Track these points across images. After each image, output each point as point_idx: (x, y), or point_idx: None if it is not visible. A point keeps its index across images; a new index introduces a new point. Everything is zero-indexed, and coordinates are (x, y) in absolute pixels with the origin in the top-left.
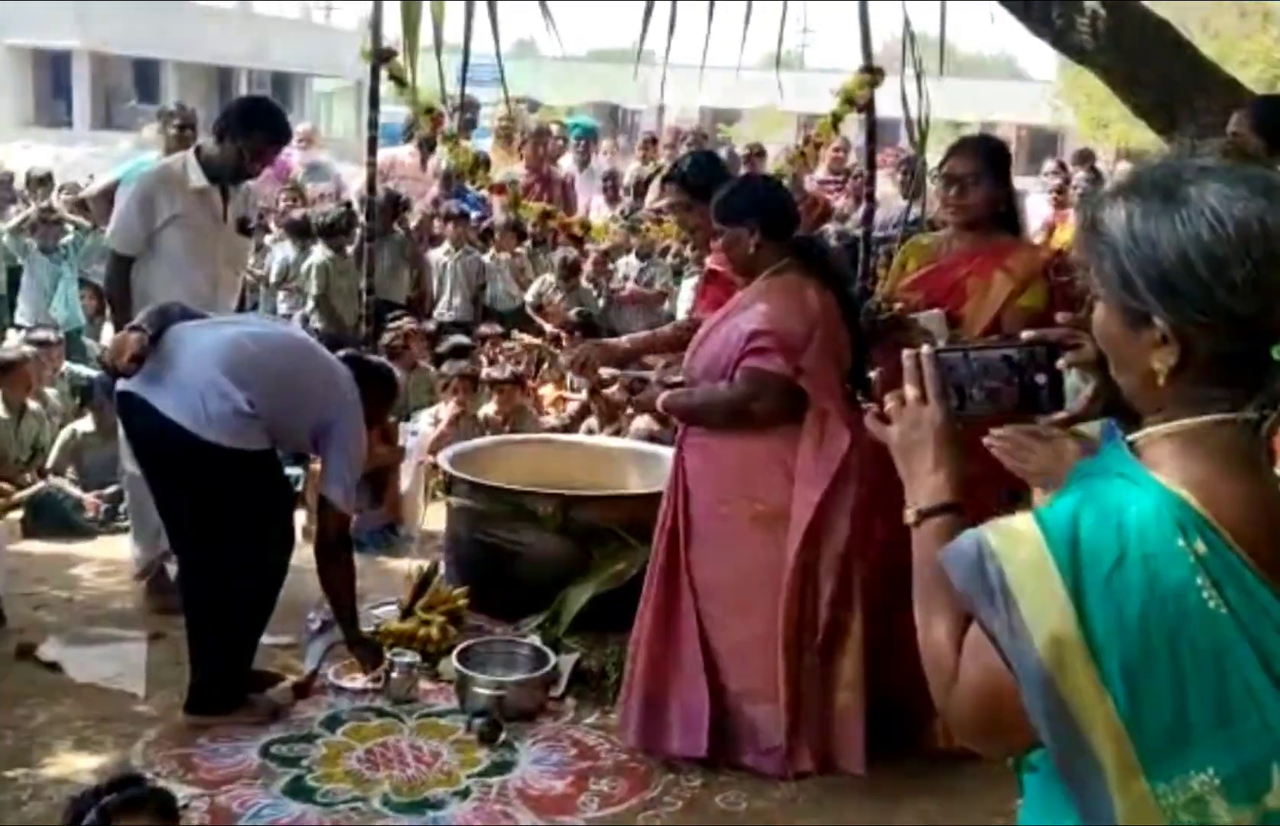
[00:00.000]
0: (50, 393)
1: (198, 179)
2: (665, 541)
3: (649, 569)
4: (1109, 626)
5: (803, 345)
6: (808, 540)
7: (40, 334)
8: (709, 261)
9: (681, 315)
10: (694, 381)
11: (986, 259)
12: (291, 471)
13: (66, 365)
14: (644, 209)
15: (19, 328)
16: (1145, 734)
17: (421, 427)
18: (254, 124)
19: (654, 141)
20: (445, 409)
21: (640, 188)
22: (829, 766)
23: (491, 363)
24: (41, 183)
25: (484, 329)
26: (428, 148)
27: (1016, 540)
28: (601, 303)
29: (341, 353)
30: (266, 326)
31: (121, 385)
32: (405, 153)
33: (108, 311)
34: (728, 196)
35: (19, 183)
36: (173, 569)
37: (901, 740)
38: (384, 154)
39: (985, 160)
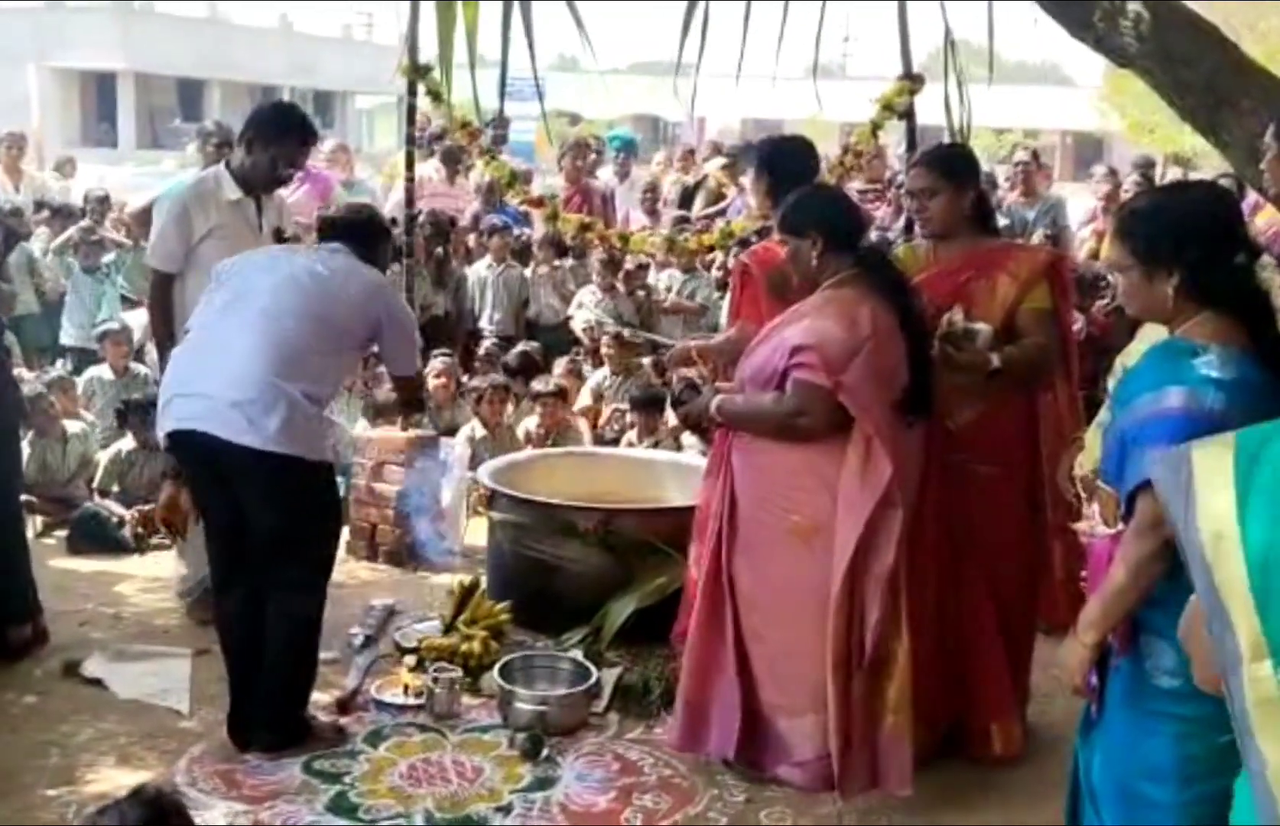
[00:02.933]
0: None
1: (231, 191)
2: (712, 546)
3: (702, 573)
4: (1259, 525)
5: (845, 362)
6: (854, 563)
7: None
8: (743, 257)
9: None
10: (741, 387)
11: (987, 263)
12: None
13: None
14: (692, 218)
15: (65, 351)
16: (1270, 622)
17: (459, 443)
18: (284, 129)
19: (691, 154)
20: (477, 424)
21: (686, 197)
22: (876, 786)
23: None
24: (101, 203)
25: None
26: (452, 163)
27: (1212, 451)
28: (633, 311)
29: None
30: (277, 289)
31: (172, 425)
32: (430, 169)
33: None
34: (791, 207)
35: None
36: None
37: (960, 749)
38: (424, 171)
39: (940, 173)
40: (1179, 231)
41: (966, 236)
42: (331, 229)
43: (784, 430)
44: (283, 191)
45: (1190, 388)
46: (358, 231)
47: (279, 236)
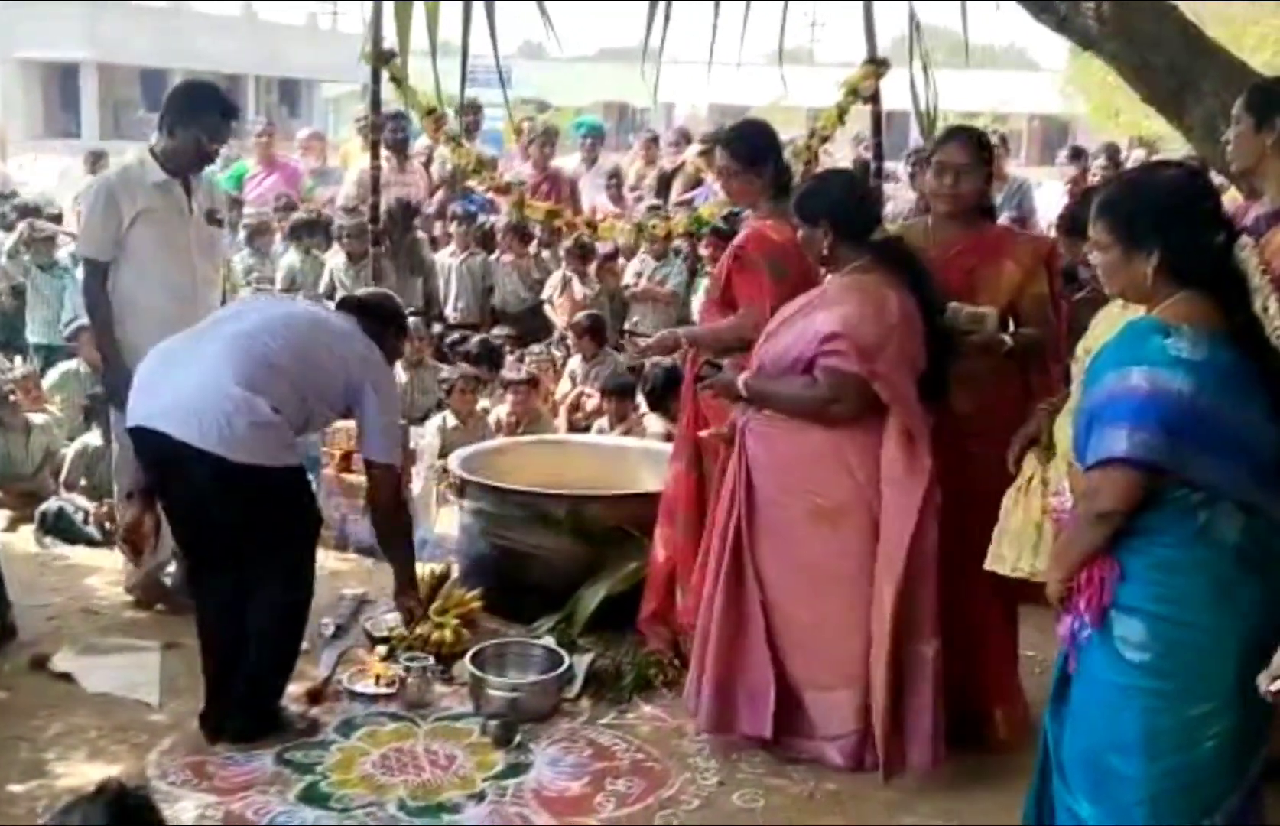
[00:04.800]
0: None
1: (157, 174)
2: (731, 530)
3: (715, 555)
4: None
5: (878, 349)
6: (912, 546)
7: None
8: (739, 241)
9: (695, 314)
10: (760, 370)
11: (992, 249)
12: None
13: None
14: (669, 204)
15: (32, 348)
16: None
17: (429, 433)
18: (203, 107)
19: (655, 141)
20: (449, 414)
21: (663, 184)
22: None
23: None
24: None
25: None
26: (401, 150)
27: None
28: (604, 299)
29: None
30: (264, 312)
31: (134, 421)
32: (381, 156)
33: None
34: (804, 195)
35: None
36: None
37: (963, 737)
38: (361, 161)
39: (977, 151)
40: (1159, 210)
41: (971, 221)
42: (349, 304)
43: (815, 415)
44: (252, 180)
45: (1154, 367)
46: (373, 311)
47: (211, 218)
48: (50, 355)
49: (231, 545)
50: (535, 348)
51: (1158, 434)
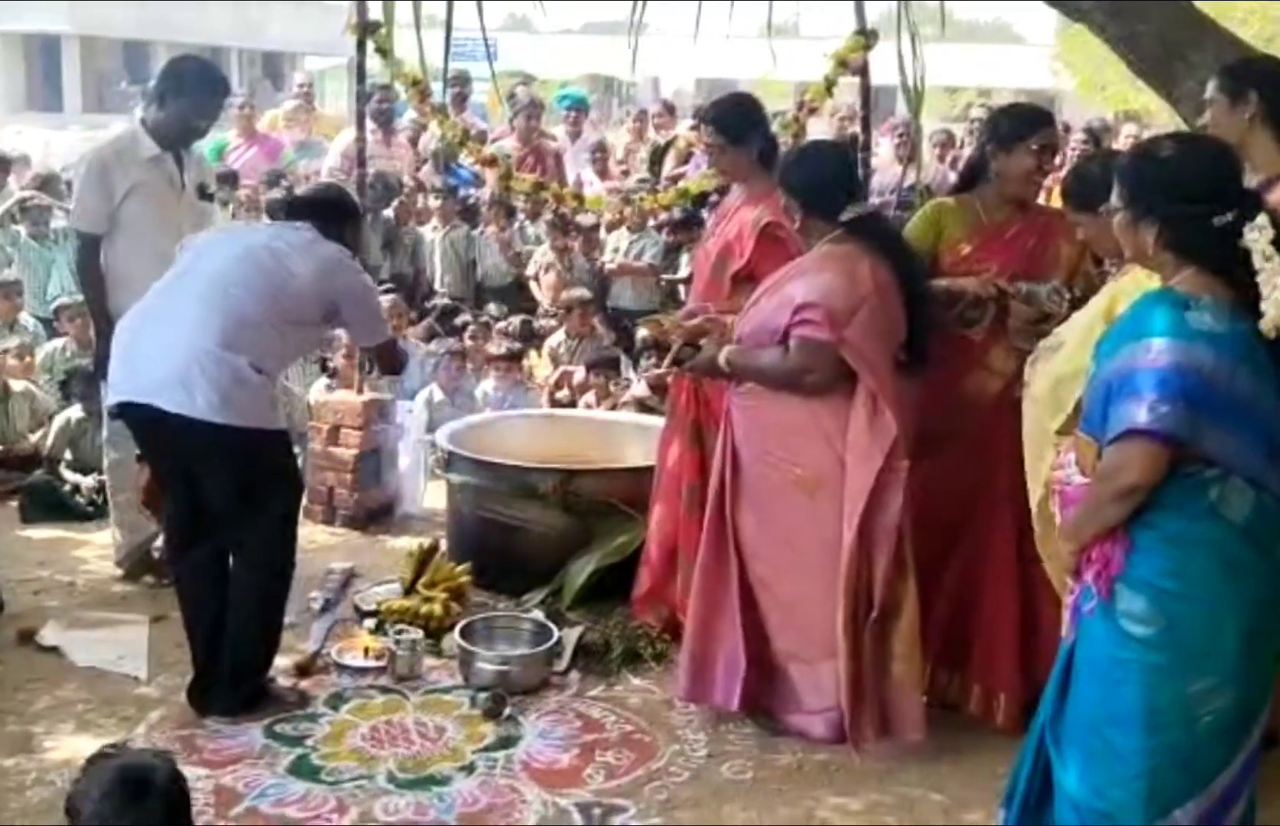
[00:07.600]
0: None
1: (149, 148)
2: (714, 499)
3: (704, 528)
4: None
5: (846, 318)
6: (864, 516)
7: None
8: (768, 220)
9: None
10: (739, 341)
11: (1048, 229)
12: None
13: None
14: (661, 178)
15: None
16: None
17: (416, 408)
18: (190, 83)
19: (644, 114)
20: (435, 389)
21: (656, 158)
22: (887, 735)
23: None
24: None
25: (469, 313)
26: (386, 123)
27: None
28: (588, 276)
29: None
30: (224, 253)
31: (121, 396)
32: (367, 131)
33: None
34: (785, 166)
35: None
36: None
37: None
38: (348, 133)
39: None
40: (1161, 183)
41: (1028, 202)
42: (298, 207)
43: (790, 385)
44: (232, 154)
45: (1176, 339)
46: (321, 208)
47: (203, 192)
48: (37, 328)
49: (217, 513)
50: (515, 320)
51: (1180, 406)
